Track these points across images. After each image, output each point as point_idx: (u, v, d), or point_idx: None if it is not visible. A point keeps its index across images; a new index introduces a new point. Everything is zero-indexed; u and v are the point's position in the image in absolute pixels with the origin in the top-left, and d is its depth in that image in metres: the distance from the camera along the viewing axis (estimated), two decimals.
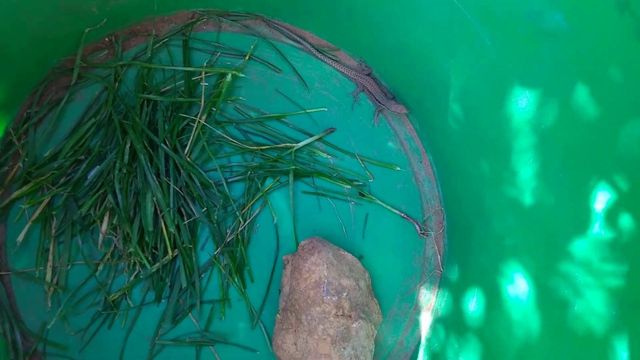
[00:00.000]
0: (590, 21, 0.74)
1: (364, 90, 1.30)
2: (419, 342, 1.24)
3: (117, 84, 1.19)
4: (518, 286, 0.97)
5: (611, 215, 0.80)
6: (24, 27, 1.03)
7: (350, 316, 1.07)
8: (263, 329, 1.19)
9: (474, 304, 1.09)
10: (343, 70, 1.30)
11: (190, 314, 1.17)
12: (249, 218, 1.21)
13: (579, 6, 0.75)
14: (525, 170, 0.94)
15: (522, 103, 0.91)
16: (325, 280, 1.07)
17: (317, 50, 1.29)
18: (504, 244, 1.02)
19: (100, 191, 1.13)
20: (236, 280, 1.19)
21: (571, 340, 0.84)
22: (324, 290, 1.06)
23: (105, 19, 1.16)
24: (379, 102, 1.27)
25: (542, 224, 0.93)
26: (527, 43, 0.85)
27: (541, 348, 0.90)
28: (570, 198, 0.86)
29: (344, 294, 1.07)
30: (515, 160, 0.96)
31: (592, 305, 0.80)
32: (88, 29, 1.16)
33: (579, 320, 0.82)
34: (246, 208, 1.21)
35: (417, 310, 1.26)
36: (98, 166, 1.15)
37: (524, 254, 0.97)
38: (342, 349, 1.05)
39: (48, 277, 1.14)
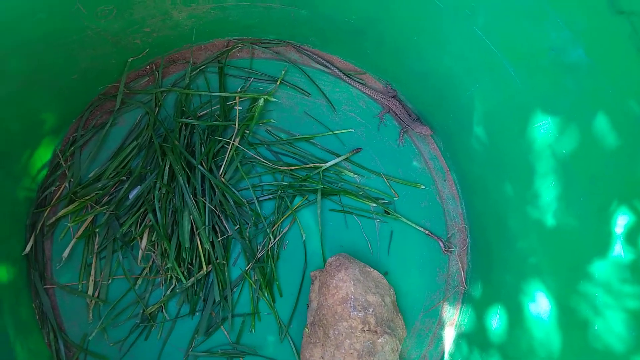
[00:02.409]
0: (610, 57, 0.78)
1: (389, 111, 1.35)
2: (442, 357, 1.27)
3: (157, 109, 1.27)
4: (540, 305, 1.00)
5: (631, 238, 0.83)
6: (76, 60, 1.11)
7: (376, 331, 1.11)
8: (291, 342, 1.24)
9: (496, 320, 1.12)
10: (369, 93, 1.35)
11: (222, 326, 1.23)
12: (279, 235, 1.27)
13: (599, 44, 0.79)
14: (548, 193, 0.97)
15: (544, 129, 0.95)
16: (352, 297, 1.11)
17: (344, 74, 1.35)
18: (526, 263, 1.05)
19: (141, 210, 1.20)
20: (266, 294, 1.24)
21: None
22: (350, 306, 1.11)
23: (147, 49, 1.23)
24: (404, 123, 1.32)
25: (564, 245, 0.96)
26: (550, 74, 0.89)
27: None
28: (591, 221, 0.89)
29: (370, 310, 1.12)
30: (538, 183, 1.00)
31: (612, 325, 0.83)
32: (131, 58, 1.24)
33: (599, 340, 0.85)
34: (276, 225, 1.26)
35: (441, 325, 1.29)
36: (139, 186, 1.22)
37: (546, 273, 1.00)
38: None
39: (90, 291, 1.21)
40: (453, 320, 1.29)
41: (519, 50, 0.92)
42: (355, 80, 1.35)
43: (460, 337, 1.24)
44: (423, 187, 1.33)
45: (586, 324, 0.88)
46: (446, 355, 1.26)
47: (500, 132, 1.09)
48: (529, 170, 1.02)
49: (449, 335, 1.28)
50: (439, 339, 1.28)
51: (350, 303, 1.11)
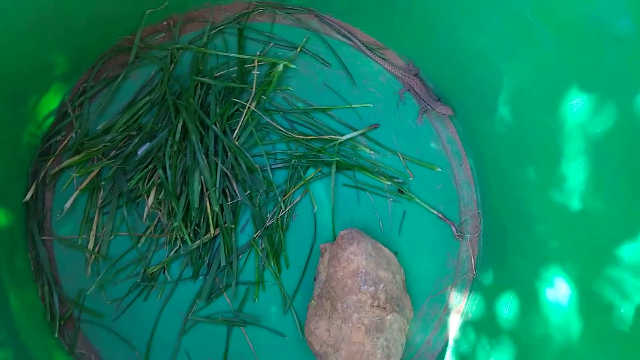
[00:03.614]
0: None
1: (410, 89, 1.31)
2: (447, 344, 1.24)
3: (172, 66, 1.22)
4: (559, 290, 0.97)
5: None
6: (92, 3, 1.07)
7: (385, 308, 1.08)
8: (294, 315, 1.20)
9: (508, 307, 1.09)
10: (391, 69, 1.32)
11: (225, 293, 1.19)
12: (290, 205, 1.23)
13: None
14: (576, 175, 0.94)
15: (577, 107, 0.92)
16: (364, 270, 1.08)
17: (366, 47, 1.31)
18: (546, 248, 1.02)
19: (150, 166, 1.16)
20: (272, 264, 1.20)
21: (616, 343, 0.84)
22: (361, 280, 1.07)
23: (166, 3, 1.19)
24: (425, 103, 1.29)
25: (590, 228, 0.93)
26: (590, 46, 0.85)
27: (583, 351, 0.89)
28: (622, 203, 0.86)
29: (381, 286, 1.08)
30: (566, 165, 0.97)
31: None
32: (149, 10, 1.19)
33: (625, 323, 0.82)
34: (287, 195, 1.22)
35: (447, 311, 1.26)
36: (149, 143, 1.18)
37: (568, 258, 0.97)
38: (376, 339, 1.06)
39: (90, 246, 1.16)
40: (460, 307, 1.26)
41: (559, 20, 0.89)
42: (377, 55, 1.32)
43: (467, 324, 1.21)
44: (439, 169, 1.30)
45: (611, 308, 0.85)
46: (450, 342, 1.23)
47: (528, 112, 1.06)
48: (556, 152, 0.98)
49: (454, 322, 1.25)
50: (445, 325, 1.25)
51: (361, 277, 1.07)
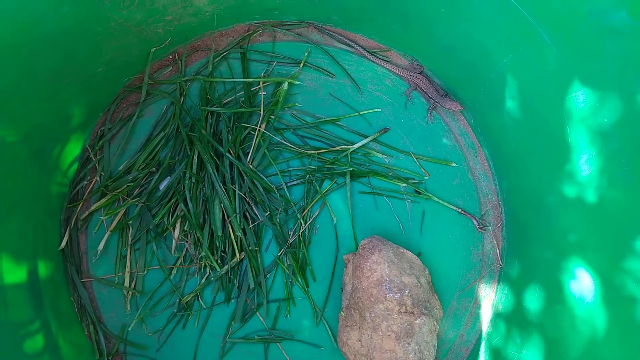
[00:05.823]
0: None
1: (416, 88, 1.31)
2: (480, 336, 1.25)
3: (182, 99, 1.26)
4: (582, 282, 0.97)
5: None
6: (101, 52, 1.11)
7: (412, 313, 1.10)
8: (327, 326, 1.24)
9: (535, 298, 1.10)
10: (395, 70, 1.32)
11: (257, 312, 1.23)
12: (309, 220, 1.26)
13: None
14: (588, 165, 0.94)
15: (583, 98, 0.91)
16: (387, 278, 1.10)
17: (368, 52, 1.32)
18: (567, 240, 1.02)
19: (172, 200, 1.21)
20: (299, 279, 1.24)
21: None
22: (386, 288, 1.10)
23: (169, 38, 1.22)
24: (432, 100, 1.28)
25: (609, 219, 0.92)
26: (589, 40, 0.84)
27: (609, 344, 0.90)
28: (638, 192, 0.85)
29: (406, 291, 1.10)
30: (577, 154, 0.96)
31: None
32: (154, 48, 1.23)
33: None
34: (306, 210, 1.25)
35: (477, 304, 1.27)
36: (169, 177, 1.22)
37: (589, 249, 0.96)
38: (407, 345, 1.08)
39: (126, 282, 1.22)
40: (490, 299, 1.27)
41: (555, 16, 0.88)
42: (379, 58, 1.32)
43: (498, 316, 1.22)
44: (454, 164, 1.30)
45: (634, 300, 0.85)
46: (484, 334, 1.24)
47: (535, 104, 1.05)
48: (566, 142, 0.98)
49: (485, 314, 1.26)
50: (476, 318, 1.26)
51: (386, 285, 1.10)
